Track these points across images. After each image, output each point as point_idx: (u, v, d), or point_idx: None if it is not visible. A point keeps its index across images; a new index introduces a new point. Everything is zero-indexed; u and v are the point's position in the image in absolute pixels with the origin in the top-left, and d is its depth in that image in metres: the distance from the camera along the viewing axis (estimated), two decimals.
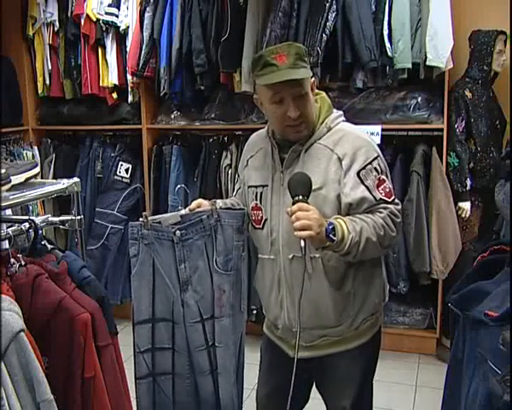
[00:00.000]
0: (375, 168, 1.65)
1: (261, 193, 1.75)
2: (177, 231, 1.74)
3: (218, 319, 1.76)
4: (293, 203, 1.55)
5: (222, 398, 1.80)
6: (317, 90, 1.76)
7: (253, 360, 1.98)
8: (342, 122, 1.75)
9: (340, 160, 1.64)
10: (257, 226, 1.76)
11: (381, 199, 1.64)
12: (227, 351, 1.77)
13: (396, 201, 1.70)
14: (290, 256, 1.68)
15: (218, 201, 1.85)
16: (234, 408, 1.81)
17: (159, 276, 1.78)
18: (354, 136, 1.69)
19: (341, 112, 1.78)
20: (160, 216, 1.79)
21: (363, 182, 1.63)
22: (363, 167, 1.63)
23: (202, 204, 1.78)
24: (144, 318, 1.80)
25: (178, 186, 3.66)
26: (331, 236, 1.54)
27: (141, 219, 1.77)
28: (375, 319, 1.80)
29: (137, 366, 1.83)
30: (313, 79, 1.70)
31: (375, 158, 1.67)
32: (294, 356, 1.73)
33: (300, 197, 1.55)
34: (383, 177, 1.67)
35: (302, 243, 1.53)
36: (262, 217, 1.74)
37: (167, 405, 1.86)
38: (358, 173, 1.63)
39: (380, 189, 1.65)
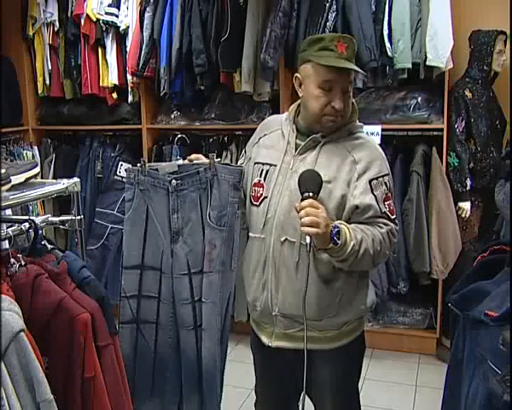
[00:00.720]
0: (386, 183, 1.69)
1: (267, 171, 1.75)
2: (173, 181, 1.74)
3: (207, 274, 1.75)
4: (303, 199, 1.56)
5: (204, 356, 1.77)
6: None
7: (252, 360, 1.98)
8: (363, 133, 1.78)
9: (355, 162, 1.67)
10: (254, 203, 1.76)
11: (384, 213, 1.67)
12: (214, 308, 1.75)
13: (396, 221, 1.72)
14: (282, 239, 1.68)
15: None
16: (215, 368, 1.78)
17: (151, 223, 1.78)
18: (373, 147, 1.74)
19: (363, 124, 1.82)
20: (158, 164, 1.80)
21: (372, 191, 1.65)
22: (376, 178, 1.67)
23: (201, 158, 1.79)
24: (133, 264, 1.80)
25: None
26: (335, 238, 1.56)
27: (138, 165, 1.77)
28: (358, 324, 1.80)
29: (122, 310, 1.83)
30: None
31: (387, 174, 1.71)
32: (269, 344, 1.76)
33: (310, 194, 1.56)
34: (390, 194, 1.70)
35: (308, 240, 1.55)
36: (262, 194, 1.74)
37: (148, 353, 1.85)
38: (370, 181, 1.66)
39: (386, 203, 1.68)
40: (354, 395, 1.88)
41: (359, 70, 1.67)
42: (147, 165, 1.77)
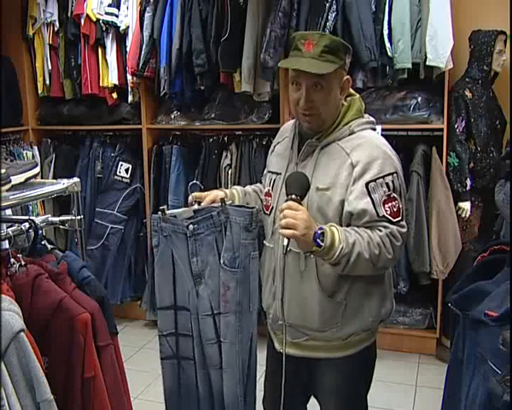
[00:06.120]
0: (387, 184, 1.58)
1: (274, 180, 1.75)
2: (190, 226, 1.77)
3: (223, 315, 1.78)
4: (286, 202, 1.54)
5: (226, 395, 1.80)
6: (352, 91, 1.74)
7: None
8: (369, 130, 1.69)
9: (352, 166, 1.59)
10: (265, 212, 1.77)
11: (383, 216, 1.58)
12: (232, 348, 1.77)
13: (402, 223, 1.62)
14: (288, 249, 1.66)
15: (238, 187, 1.87)
16: (238, 407, 1.80)
17: (178, 266, 1.83)
18: (374, 145, 1.63)
19: (373, 119, 1.74)
20: (176, 211, 1.84)
21: (369, 194, 1.57)
22: (374, 180, 1.57)
23: (216, 199, 1.74)
24: (166, 304, 1.85)
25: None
26: (318, 241, 1.50)
27: (159, 213, 1.82)
28: (366, 336, 1.73)
29: (161, 347, 1.89)
30: (346, 77, 1.66)
31: (391, 174, 1.60)
32: (280, 350, 1.74)
33: (293, 196, 1.53)
34: (394, 195, 1.60)
35: (285, 242, 1.53)
36: (270, 204, 1.74)
37: (191, 388, 1.90)
38: (367, 185, 1.57)
39: (386, 206, 1.58)
40: (359, 405, 1.83)
41: (319, 70, 1.55)
42: (166, 212, 1.80)
